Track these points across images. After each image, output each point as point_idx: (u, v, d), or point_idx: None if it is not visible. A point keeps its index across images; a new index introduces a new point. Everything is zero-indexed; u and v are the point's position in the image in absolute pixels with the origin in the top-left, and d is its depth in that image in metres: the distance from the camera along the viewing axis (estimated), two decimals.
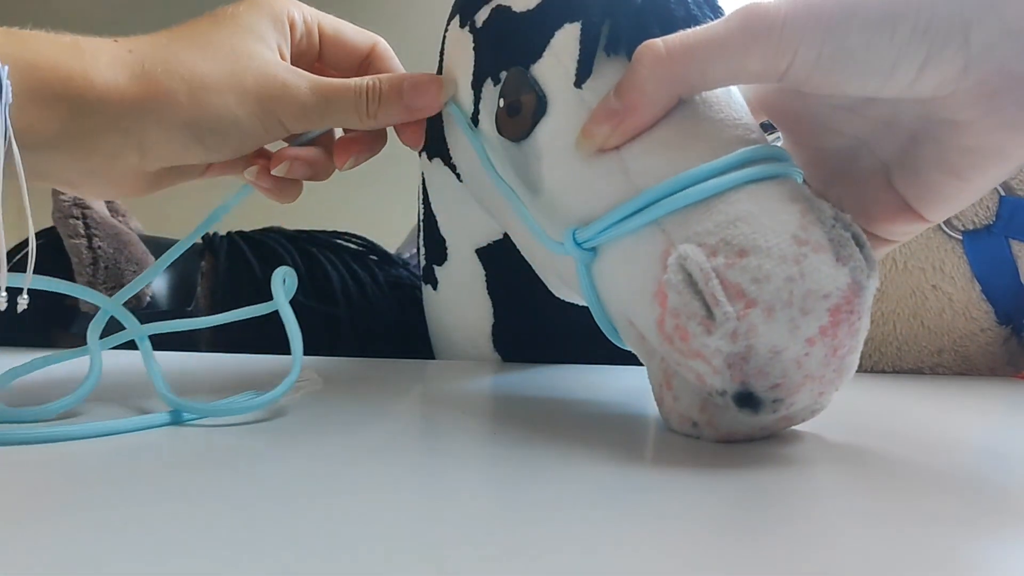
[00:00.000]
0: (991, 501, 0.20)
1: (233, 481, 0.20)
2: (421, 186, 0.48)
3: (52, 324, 0.52)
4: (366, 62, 0.37)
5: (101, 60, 0.28)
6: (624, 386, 0.39)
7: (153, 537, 0.16)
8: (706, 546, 0.16)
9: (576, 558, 0.15)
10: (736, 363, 0.22)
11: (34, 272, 0.52)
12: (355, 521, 0.17)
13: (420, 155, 0.46)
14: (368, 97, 0.32)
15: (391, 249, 0.66)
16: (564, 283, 0.33)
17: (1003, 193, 0.48)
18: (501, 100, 0.30)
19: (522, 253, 0.36)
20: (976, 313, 0.50)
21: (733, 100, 0.27)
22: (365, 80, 0.32)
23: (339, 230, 0.63)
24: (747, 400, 0.22)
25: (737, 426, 0.24)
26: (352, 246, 0.62)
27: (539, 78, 0.29)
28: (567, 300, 0.38)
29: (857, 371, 0.52)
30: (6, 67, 0.25)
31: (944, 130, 0.24)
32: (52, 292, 0.53)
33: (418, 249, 0.51)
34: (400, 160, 0.51)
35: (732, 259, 0.22)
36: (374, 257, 0.63)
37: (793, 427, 0.27)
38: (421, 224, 0.49)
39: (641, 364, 0.28)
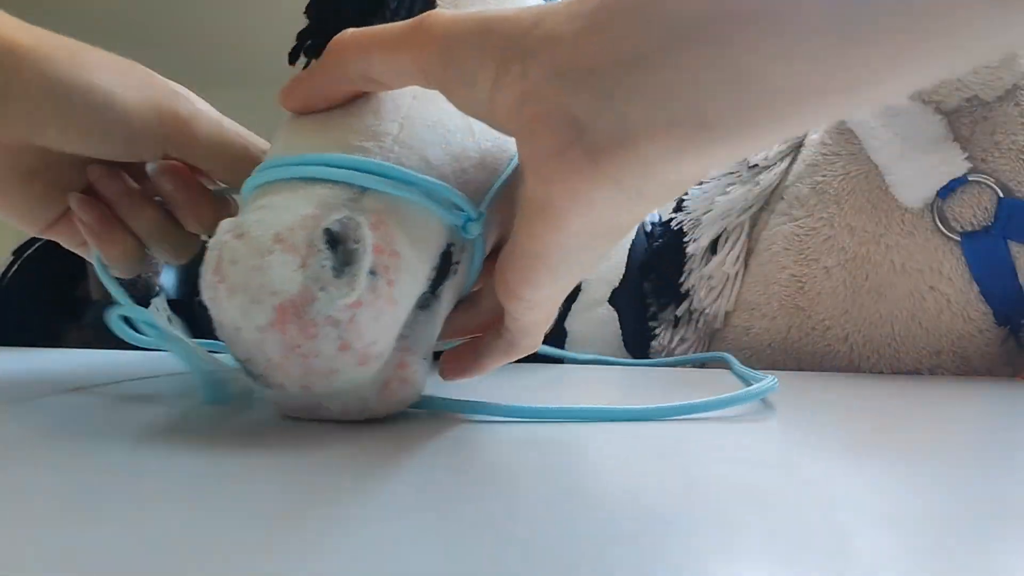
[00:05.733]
0: (992, 501, 0.20)
1: (222, 482, 0.20)
2: None
3: (63, 316, 0.53)
4: None
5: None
6: (625, 386, 0.40)
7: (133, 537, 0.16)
8: (704, 546, 0.16)
9: (579, 561, 0.15)
10: (217, 328, 0.24)
11: (42, 265, 0.53)
12: (353, 522, 0.17)
13: None
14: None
15: None
16: None
17: (1001, 194, 0.48)
18: None
19: None
20: (974, 314, 0.50)
21: (385, 110, 0.28)
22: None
23: None
24: (243, 366, 0.24)
25: (273, 397, 0.26)
26: None
27: None
28: None
29: (856, 372, 0.52)
30: None
31: (517, 179, 0.25)
32: (60, 283, 0.54)
33: None
34: None
35: (230, 239, 0.23)
36: None
37: (781, 433, 0.27)
38: None
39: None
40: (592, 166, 0.21)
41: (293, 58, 0.31)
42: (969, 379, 0.50)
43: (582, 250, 0.24)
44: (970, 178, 0.48)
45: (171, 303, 0.54)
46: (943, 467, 0.24)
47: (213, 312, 0.24)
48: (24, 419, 0.27)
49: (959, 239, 0.49)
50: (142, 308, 0.30)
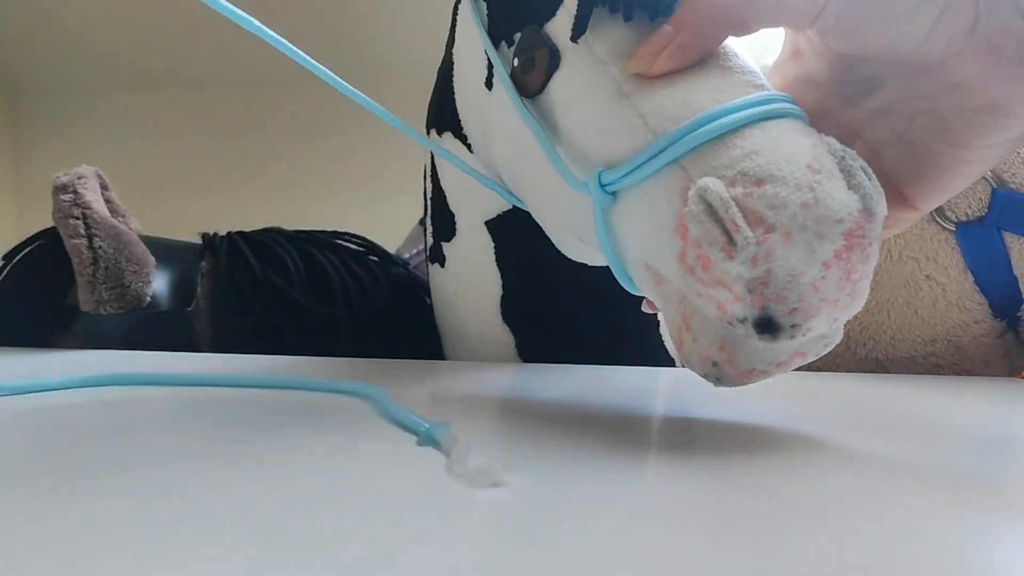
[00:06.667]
0: (990, 500, 0.20)
1: (223, 482, 0.20)
2: (430, 164, 0.49)
3: (53, 324, 0.52)
4: None
5: None
6: (625, 388, 0.39)
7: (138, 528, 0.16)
8: (706, 545, 0.16)
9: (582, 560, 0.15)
10: (756, 288, 0.23)
11: (34, 273, 0.53)
12: (356, 524, 0.17)
13: (428, 132, 0.47)
14: None
15: (391, 249, 0.67)
16: (580, 238, 0.34)
17: (995, 185, 0.48)
18: (515, 60, 0.32)
19: (535, 216, 0.37)
20: (969, 304, 0.50)
21: (741, 56, 0.28)
22: None
23: (339, 230, 0.64)
24: (767, 326, 0.23)
25: (755, 361, 0.25)
26: (352, 246, 0.63)
27: (552, 35, 0.31)
28: (580, 261, 0.39)
29: (851, 358, 0.52)
30: None
31: (945, 97, 0.26)
32: (52, 293, 0.54)
33: (425, 229, 0.52)
34: (400, 160, 0.52)
35: (750, 188, 0.23)
36: (374, 258, 0.63)
37: (813, 434, 0.27)
38: (429, 203, 0.50)
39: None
40: None
41: (580, 32, 0.29)
42: (969, 379, 0.50)
43: (1013, 144, 0.27)
44: None
45: (163, 315, 0.54)
46: (943, 466, 0.24)
47: (754, 272, 0.22)
48: (20, 419, 0.26)
49: (954, 229, 0.49)
50: None
